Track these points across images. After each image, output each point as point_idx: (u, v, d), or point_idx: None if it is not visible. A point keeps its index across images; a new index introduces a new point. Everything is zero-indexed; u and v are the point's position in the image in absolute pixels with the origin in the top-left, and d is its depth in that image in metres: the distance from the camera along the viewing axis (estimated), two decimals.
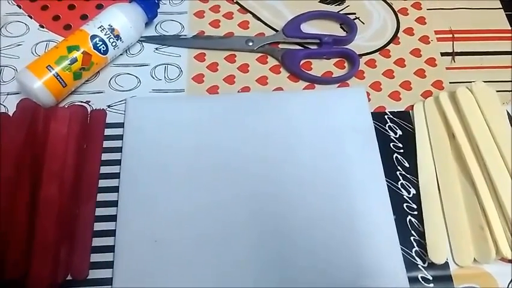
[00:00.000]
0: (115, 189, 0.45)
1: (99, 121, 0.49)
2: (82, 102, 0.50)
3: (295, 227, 0.43)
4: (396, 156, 0.48)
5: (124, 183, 0.45)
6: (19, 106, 0.46)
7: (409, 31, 0.57)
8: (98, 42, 0.49)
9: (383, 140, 0.49)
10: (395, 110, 0.51)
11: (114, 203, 0.44)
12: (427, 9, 0.58)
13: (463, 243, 0.43)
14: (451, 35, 0.56)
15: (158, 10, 0.55)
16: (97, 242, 0.43)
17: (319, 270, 0.42)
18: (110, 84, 0.52)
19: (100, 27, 0.49)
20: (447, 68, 0.54)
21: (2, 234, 0.40)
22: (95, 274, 0.42)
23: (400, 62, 0.54)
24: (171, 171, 0.46)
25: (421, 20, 0.58)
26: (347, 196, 0.45)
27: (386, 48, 0.55)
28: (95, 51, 0.49)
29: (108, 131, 0.48)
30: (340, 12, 0.58)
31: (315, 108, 0.50)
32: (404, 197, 0.46)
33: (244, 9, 0.58)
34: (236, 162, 0.46)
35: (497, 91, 0.50)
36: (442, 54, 0.55)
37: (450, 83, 0.53)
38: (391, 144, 0.49)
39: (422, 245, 0.43)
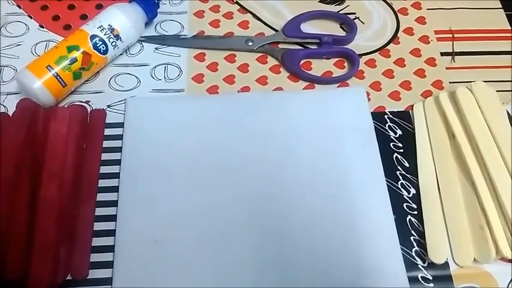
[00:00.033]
0: (115, 189, 0.45)
1: (99, 121, 0.49)
2: (82, 102, 0.50)
3: (295, 227, 0.43)
4: (396, 156, 0.48)
5: (124, 183, 0.45)
6: (19, 106, 0.46)
7: (409, 31, 0.57)
8: (97, 42, 0.49)
9: (383, 139, 0.49)
10: (395, 110, 0.51)
11: (113, 203, 0.44)
12: (427, 9, 0.58)
13: (463, 243, 0.43)
14: (451, 35, 0.56)
15: (158, 10, 0.55)
16: (97, 241, 0.43)
17: (319, 270, 0.42)
18: (110, 84, 0.52)
19: (100, 27, 0.49)
20: (447, 68, 0.54)
21: (2, 234, 0.40)
22: (94, 274, 0.42)
23: (400, 62, 0.54)
24: (171, 171, 0.46)
25: (421, 20, 0.58)
26: (347, 196, 0.45)
27: (386, 48, 0.55)
28: (95, 51, 0.49)
29: (107, 131, 0.48)
30: (340, 12, 0.58)
31: (315, 108, 0.50)
32: (404, 196, 0.46)
33: (244, 9, 0.58)
34: (236, 162, 0.46)
35: (497, 91, 0.50)
36: (442, 54, 0.55)
37: (450, 82, 0.53)
38: (391, 144, 0.49)
39: (422, 244, 0.43)
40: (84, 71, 0.49)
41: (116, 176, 0.46)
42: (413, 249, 0.44)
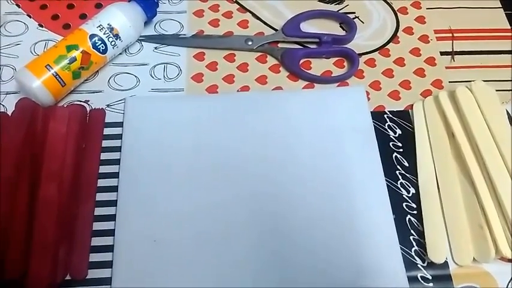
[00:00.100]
0: (114, 188, 0.45)
1: (98, 120, 0.49)
2: (81, 101, 0.50)
3: (295, 227, 0.43)
4: (396, 156, 0.48)
5: (123, 182, 0.45)
6: (18, 105, 0.46)
7: (409, 30, 0.57)
8: (97, 41, 0.49)
9: (382, 139, 0.49)
10: (395, 109, 0.51)
11: (113, 203, 0.44)
12: (427, 9, 0.58)
13: (462, 243, 0.43)
14: (450, 34, 0.56)
15: (157, 9, 0.55)
16: (96, 241, 0.43)
17: (318, 270, 0.42)
18: (109, 84, 0.52)
19: (99, 26, 0.49)
20: (447, 67, 0.54)
21: (1, 234, 0.39)
22: (94, 274, 0.42)
23: (400, 61, 0.54)
24: (171, 171, 0.46)
25: (420, 19, 0.58)
26: (346, 195, 0.45)
27: (386, 47, 0.55)
28: (94, 50, 0.49)
29: (107, 130, 0.48)
30: (340, 11, 0.58)
31: (315, 108, 0.50)
32: (404, 196, 0.46)
33: (243, 9, 0.58)
34: (235, 161, 0.46)
35: (497, 90, 0.49)
36: (442, 53, 0.55)
37: (450, 82, 0.53)
38: (391, 144, 0.49)
39: (422, 244, 0.43)
40: (83, 70, 0.49)
41: (115, 175, 0.46)
42: (413, 249, 0.44)
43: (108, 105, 0.50)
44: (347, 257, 0.42)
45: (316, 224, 0.44)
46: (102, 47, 0.49)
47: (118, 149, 0.47)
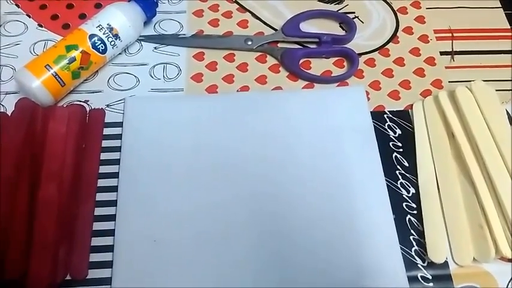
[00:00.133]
0: (114, 188, 0.45)
1: (97, 120, 0.49)
2: (81, 101, 0.50)
3: (295, 227, 0.43)
4: (395, 156, 0.48)
5: (123, 182, 0.45)
6: (18, 105, 0.46)
7: (409, 30, 0.57)
8: (96, 41, 0.49)
9: (382, 139, 0.49)
10: (395, 109, 0.51)
11: (113, 203, 0.44)
12: (427, 8, 0.58)
13: (462, 243, 0.43)
14: (450, 34, 0.56)
15: (157, 9, 0.55)
16: (96, 241, 0.43)
17: (318, 270, 0.42)
18: (109, 84, 0.52)
19: (99, 26, 0.49)
20: (446, 67, 0.54)
21: (1, 234, 0.39)
22: (94, 274, 0.42)
23: (400, 61, 0.54)
24: (170, 171, 0.46)
25: (420, 19, 0.58)
26: (346, 195, 0.45)
27: (386, 47, 0.55)
28: (94, 50, 0.49)
29: (106, 130, 0.48)
30: (340, 11, 0.58)
31: (314, 108, 0.50)
32: (404, 196, 0.46)
33: (243, 8, 0.58)
34: (235, 161, 0.46)
35: (497, 90, 0.49)
36: (442, 53, 0.55)
37: (449, 82, 0.53)
38: (391, 144, 0.49)
39: (422, 244, 0.43)
40: (83, 70, 0.49)
41: (115, 175, 0.46)
42: (413, 249, 0.44)
43: (107, 105, 0.50)
44: (347, 257, 0.42)
45: (316, 224, 0.44)
46: (102, 47, 0.49)
47: (118, 149, 0.47)
